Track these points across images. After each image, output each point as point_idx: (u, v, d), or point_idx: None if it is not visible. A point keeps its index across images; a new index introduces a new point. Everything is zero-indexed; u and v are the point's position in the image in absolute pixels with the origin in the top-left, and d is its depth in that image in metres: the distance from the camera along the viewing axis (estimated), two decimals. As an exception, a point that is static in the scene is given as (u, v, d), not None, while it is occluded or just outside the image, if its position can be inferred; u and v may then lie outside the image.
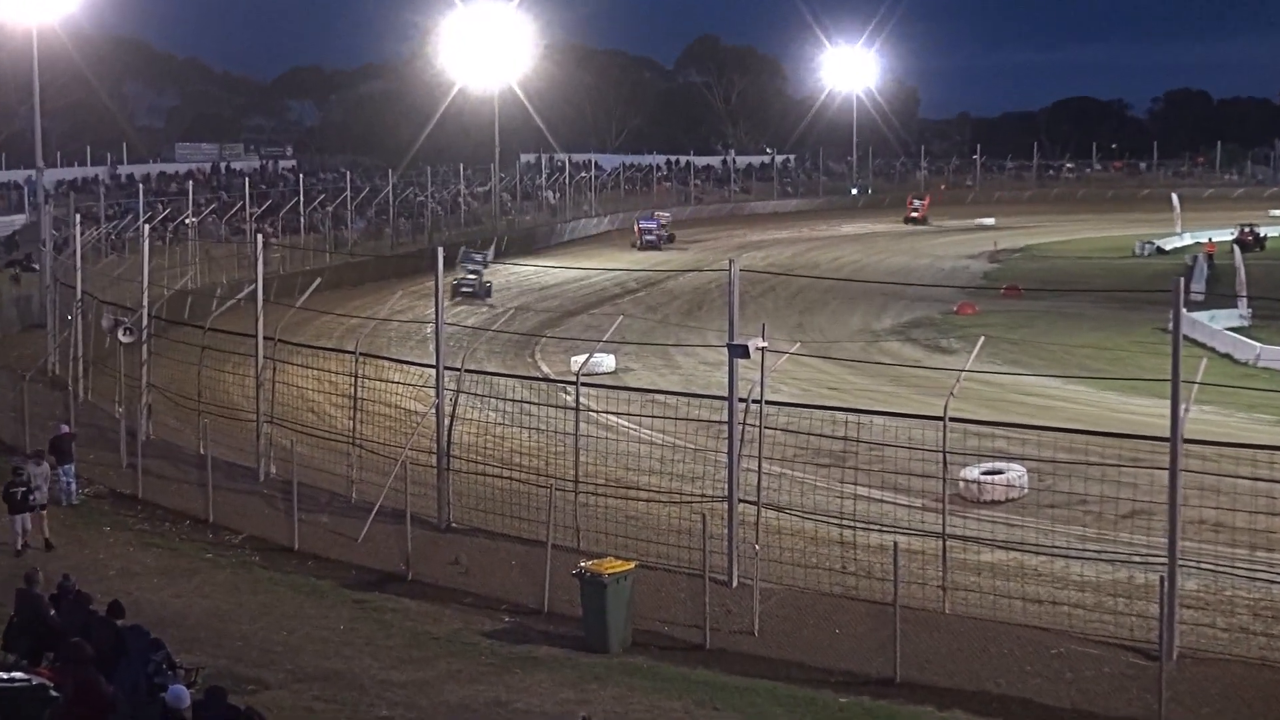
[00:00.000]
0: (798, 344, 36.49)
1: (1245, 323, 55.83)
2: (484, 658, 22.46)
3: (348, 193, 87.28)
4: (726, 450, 26.09)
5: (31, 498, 27.95)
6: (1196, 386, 22.93)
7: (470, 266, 69.21)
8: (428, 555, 27.43)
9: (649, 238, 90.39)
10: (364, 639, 23.14)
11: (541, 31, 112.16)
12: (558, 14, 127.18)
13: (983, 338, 33.72)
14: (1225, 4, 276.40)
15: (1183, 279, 24.78)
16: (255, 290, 34.79)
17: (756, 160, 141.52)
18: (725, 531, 25.49)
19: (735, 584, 25.12)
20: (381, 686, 20.78)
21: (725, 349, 25.42)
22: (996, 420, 29.48)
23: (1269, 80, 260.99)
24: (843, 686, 21.40)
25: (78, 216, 50.68)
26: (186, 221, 73.82)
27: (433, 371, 30.94)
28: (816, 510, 27.39)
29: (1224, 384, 35.38)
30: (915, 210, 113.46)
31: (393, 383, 35.18)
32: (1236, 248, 73.77)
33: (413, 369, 36.11)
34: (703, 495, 28.85)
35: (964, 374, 26.39)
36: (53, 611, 19.66)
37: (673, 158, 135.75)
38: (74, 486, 31.36)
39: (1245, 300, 57.81)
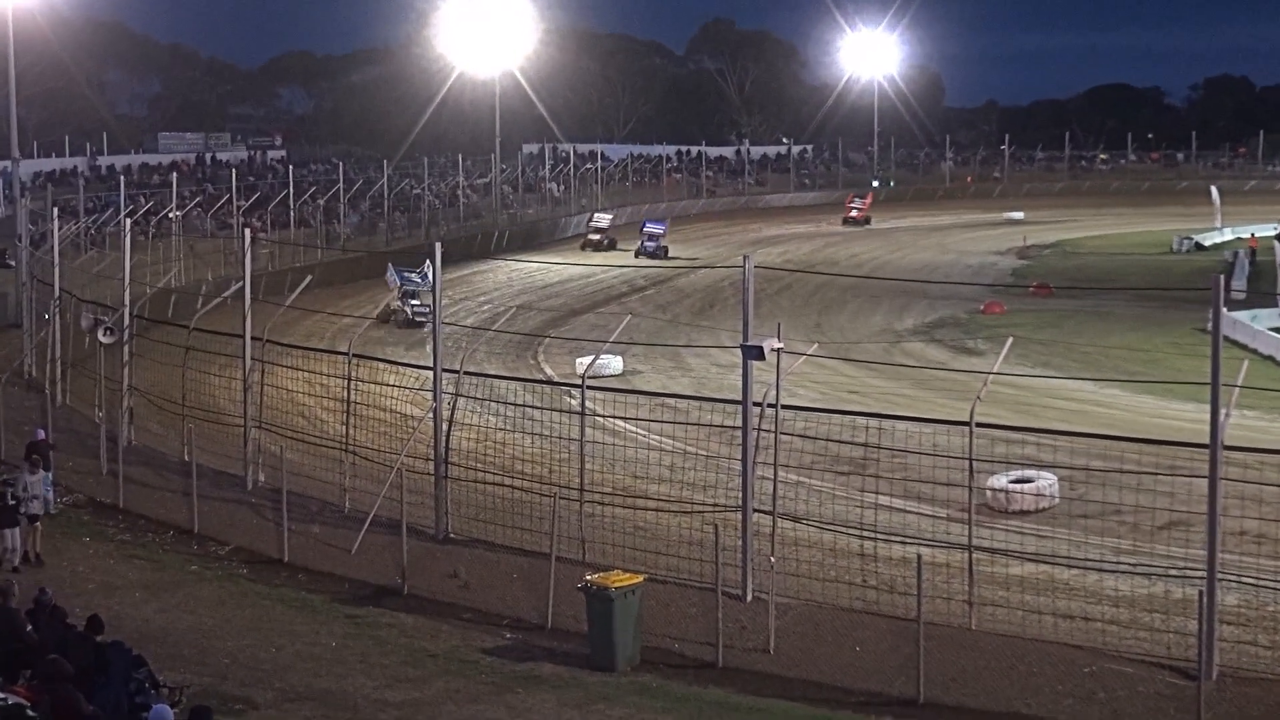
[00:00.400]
0: (815, 345, 36.52)
1: (1289, 322, 55.72)
2: (484, 676, 22.46)
3: (340, 185, 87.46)
4: (740, 457, 26.08)
5: (23, 509, 27.85)
6: (1238, 390, 22.90)
7: (409, 287, 60.17)
8: (425, 568, 27.44)
9: (649, 244, 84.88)
10: (357, 656, 23.15)
11: (544, 14, 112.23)
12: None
13: (1011, 338, 33.73)
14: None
15: (1223, 276, 24.71)
16: (243, 288, 34.78)
17: (772, 151, 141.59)
18: (739, 543, 25.48)
19: (749, 599, 25.12)
20: (376, 707, 20.79)
21: (739, 350, 25.41)
22: (1026, 425, 29.48)
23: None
24: (863, 707, 21.40)
25: (55, 210, 50.70)
26: (170, 215, 73.93)
27: (430, 374, 30.95)
28: (835, 521, 27.39)
29: (1267, 387, 35.30)
30: (855, 209, 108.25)
31: (388, 385, 35.18)
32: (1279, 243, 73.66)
33: (409, 371, 36.14)
34: (715, 505, 28.81)
35: (991, 376, 26.36)
36: (29, 627, 19.66)
37: (683, 148, 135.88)
38: (52, 495, 31.27)
39: (1289, 299, 57.72)
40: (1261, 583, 23.64)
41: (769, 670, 22.82)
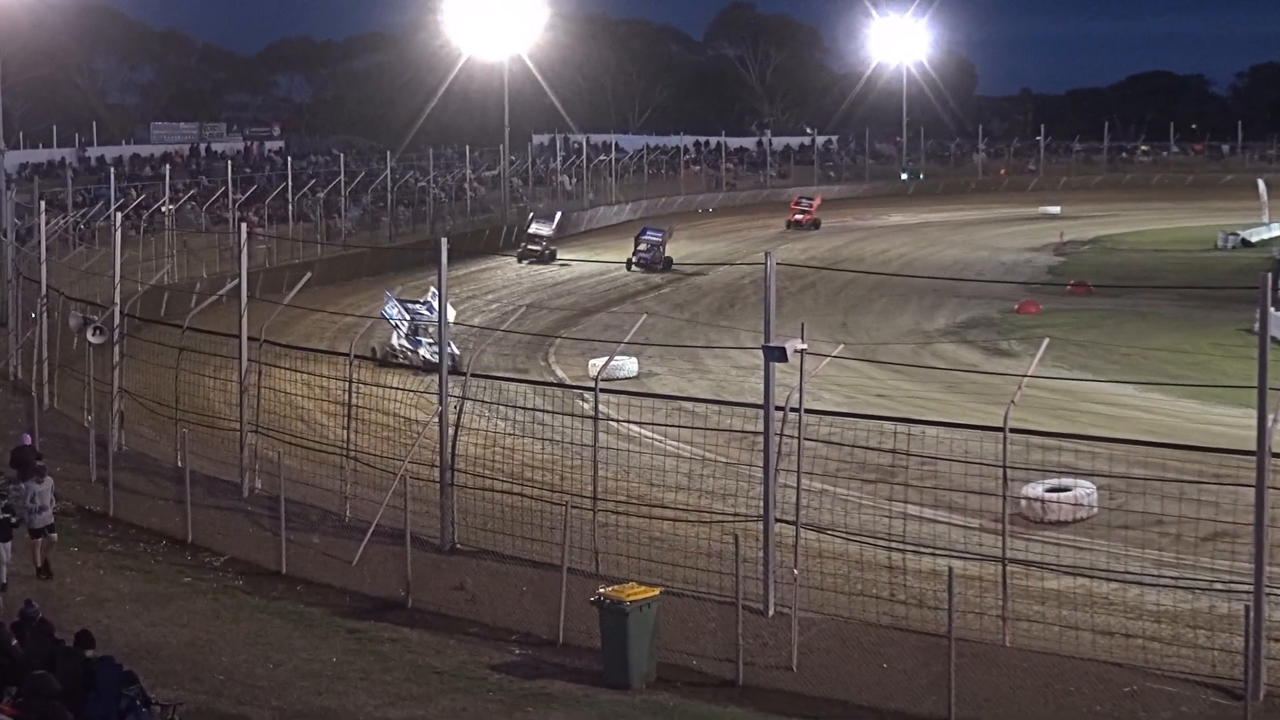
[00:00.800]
0: (841, 346, 36.41)
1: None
2: (492, 694, 22.46)
3: (341, 177, 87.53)
4: (762, 464, 26.07)
5: (28, 521, 27.66)
6: (1286, 394, 22.85)
7: (419, 321, 51.01)
8: (430, 580, 27.46)
9: (644, 254, 77.29)
10: (359, 673, 23.16)
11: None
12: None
13: (1047, 339, 33.64)
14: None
15: (1270, 274, 24.65)
16: (239, 285, 34.85)
17: (795, 142, 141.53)
18: (760, 555, 25.47)
19: (771, 613, 25.12)
20: (378, 726, 20.83)
21: (760, 351, 25.41)
22: (1062, 431, 29.40)
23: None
24: (891, 727, 21.41)
25: (42, 204, 50.83)
26: (163, 209, 74.08)
27: (435, 376, 30.97)
28: (862, 531, 27.36)
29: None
30: (802, 211, 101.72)
31: (391, 388, 35.24)
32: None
33: (413, 373, 36.15)
34: (735, 514, 28.83)
35: (1026, 380, 26.32)
36: (14, 641, 19.68)
37: (702, 139, 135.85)
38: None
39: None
40: (1312, 597, 23.60)
41: (792, 689, 22.81)
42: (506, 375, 41.44)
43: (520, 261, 78.58)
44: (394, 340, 49.71)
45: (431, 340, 46.13)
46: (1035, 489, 30.21)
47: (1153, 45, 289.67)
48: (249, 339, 34.45)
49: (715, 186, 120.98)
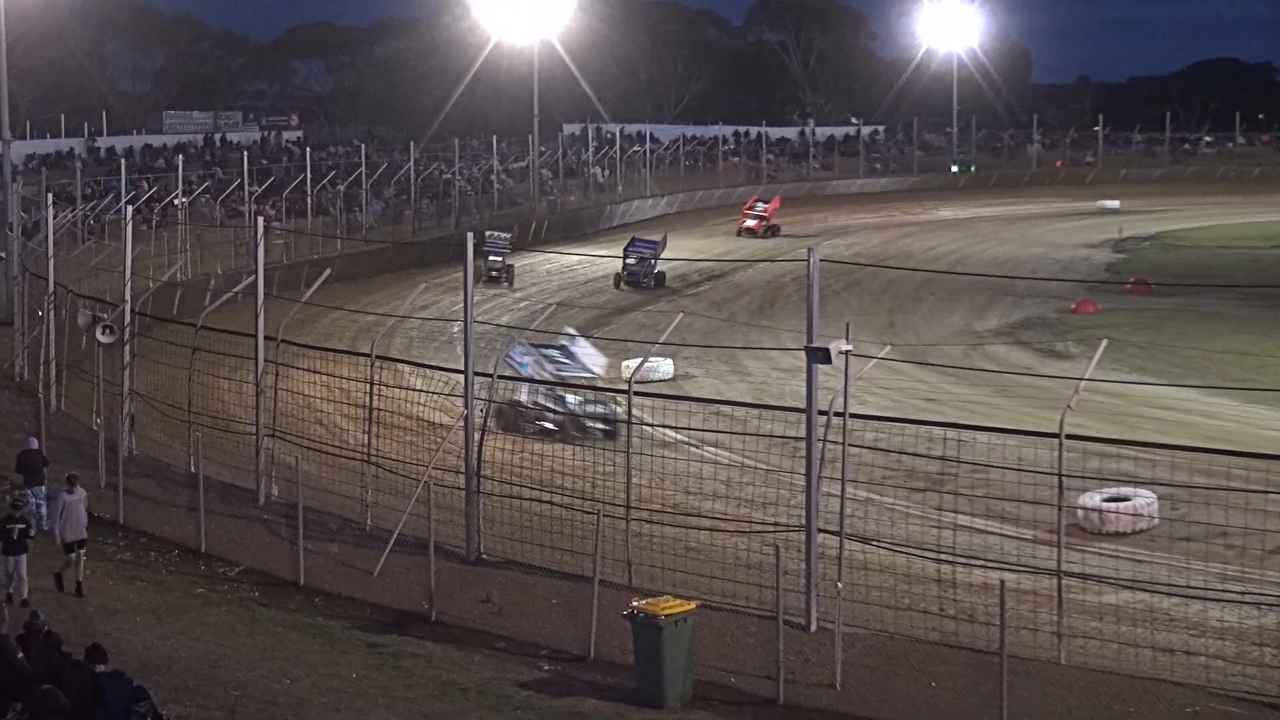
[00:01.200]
0: (888, 347, 36.30)
1: None
2: (519, 712, 22.49)
3: (362, 169, 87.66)
4: (804, 471, 26.06)
5: (64, 532, 27.67)
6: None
7: (564, 371, 45.22)
8: (454, 592, 27.51)
9: (634, 267, 71.50)
10: (380, 689, 23.21)
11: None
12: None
13: (1105, 341, 33.47)
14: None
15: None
16: (255, 282, 34.95)
17: (839, 132, 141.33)
18: (802, 566, 25.47)
19: (814, 628, 25.11)
20: (400, 744, 20.88)
21: (803, 353, 25.40)
22: (1121, 438, 29.34)
23: None
24: (939, 749, 21.40)
25: (50, 196, 51.01)
26: (176, 202, 74.25)
27: (460, 378, 31.02)
28: (909, 542, 27.33)
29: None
30: (756, 216, 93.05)
31: (414, 390, 35.29)
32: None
33: (437, 375, 36.21)
34: (776, 524, 28.82)
35: (1083, 383, 26.25)
36: (20, 655, 19.75)
37: (741, 129, 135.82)
38: (44, 510, 31.41)
39: None
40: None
41: (835, 708, 22.79)
42: (535, 378, 41.46)
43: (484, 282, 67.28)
44: (521, 393, 39.35)
45: (586, 402, 39.61)
46: (1092, 498, 30.16)
47: (1218, 30, 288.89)
48: (266, 338, 34.55)
49: (755, 179, 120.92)
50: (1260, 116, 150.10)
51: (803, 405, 26.18)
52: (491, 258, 71.14)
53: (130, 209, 43.52)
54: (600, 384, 44.07)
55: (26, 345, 45.98)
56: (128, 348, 37.93)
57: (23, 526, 27.14)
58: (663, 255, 72.09)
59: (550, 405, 38.55)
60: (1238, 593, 25.02)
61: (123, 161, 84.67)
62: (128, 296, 38.62)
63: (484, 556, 29.43)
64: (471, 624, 26.49)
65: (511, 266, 72.65)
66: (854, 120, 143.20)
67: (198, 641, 25.22)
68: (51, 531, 28.06)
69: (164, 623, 26.12)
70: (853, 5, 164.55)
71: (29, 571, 26.91)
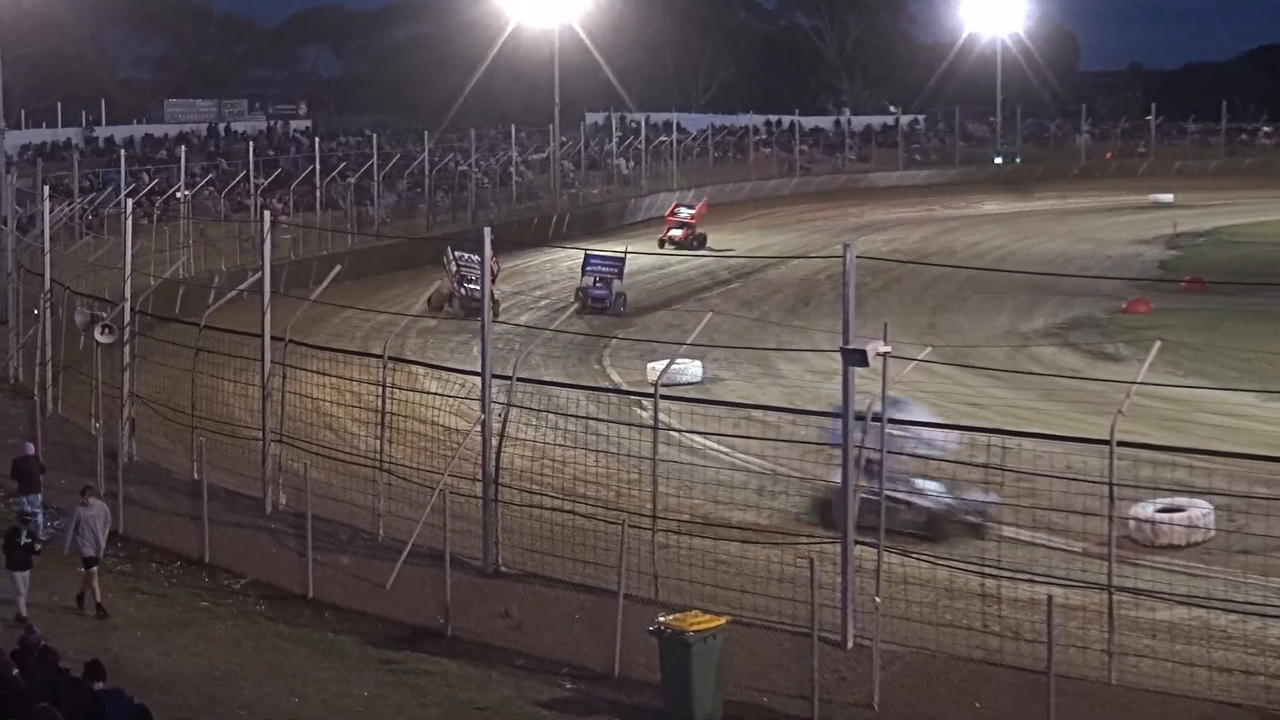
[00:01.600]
0: (928, 349, 36.35)
1: None
2: (540, 733, 22.54)
3: (374, 160, 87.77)
4: (840, 480, 26.04)
5: (83, 547, 27.67)
6: None
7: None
8: (471, 606, 27.54)
9: (597, 292, 63.74)
10: (393, 708, 23.26)
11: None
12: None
13: (1159, 342, 33.40)
14: None
15: None
16: (261, 279, 35.01)
17: (877, 121, 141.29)
18: (838, 580, 25.47)
19: (850, 645, 25.10)
20: (414, 767, 20.92)
21: (838, 355, 25.40)
22: (1176, 445, 29.27)
23: None
24: (983, 773, 21.39)
25: (46, 189, 51.18)
26: (178, 195, 74.49)
27: (477, 380, 31.05)
28: (951, 555, 27.30)
29: None
30: (680, 225, 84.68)
31: (429, 394, 35.32)
32: None
33: (453, 377, 36.24)
34: (810, 535, 28.81)
35: (1135, 387, 26.22)
36: (15, 671, 19.79)
37: (773, 118, 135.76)
38: (41, 519, 31.48)
39: None
40: None
41: (873, 729, 22.81)
42: (556, 380, 41.52)
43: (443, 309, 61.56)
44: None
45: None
46: (1145, 509, 30.09)
47: (1277, 14, 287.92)
48: (272, 339, 34.60)
49: (788, 171, 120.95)
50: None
51: (838, 410, 26.18)
52: (468, 284, 60.14)
53: (130, 202, 43.42)
54: (624, 386, 44.07)
55: (21, 345, 46.12)
56: (128, 348, 38.00)
57: (29, 541, 26.98)
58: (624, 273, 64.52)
59: (909, 496, 32.13)
60: (1299, 609, 24.99)
61: (122, 152, 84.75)
62: (128, 294, 38.68)
63: (502, 569, 29.46)
64: (489, 640, 26.53)
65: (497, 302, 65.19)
66: (892, 109, 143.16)
67: (201, 658, 25.28)
68: (75, 546, 27.87)
69: (166, 638, 26.18)
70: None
71: (25, 590, 26.74)
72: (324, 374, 36.72)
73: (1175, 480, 28.99)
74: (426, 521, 29.14)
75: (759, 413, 35.71)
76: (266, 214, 39.04)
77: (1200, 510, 30.20)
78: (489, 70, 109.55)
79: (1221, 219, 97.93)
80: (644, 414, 33.61)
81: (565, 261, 75.55)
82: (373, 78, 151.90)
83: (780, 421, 33.45)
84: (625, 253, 64.62)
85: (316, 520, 29.79)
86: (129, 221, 40.54)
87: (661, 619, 23.63)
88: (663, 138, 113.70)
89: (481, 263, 31.27)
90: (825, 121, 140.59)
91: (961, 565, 26.90)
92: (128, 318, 38.13)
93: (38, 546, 27.26)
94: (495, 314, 67.46)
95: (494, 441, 29.95)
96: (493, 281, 69.94)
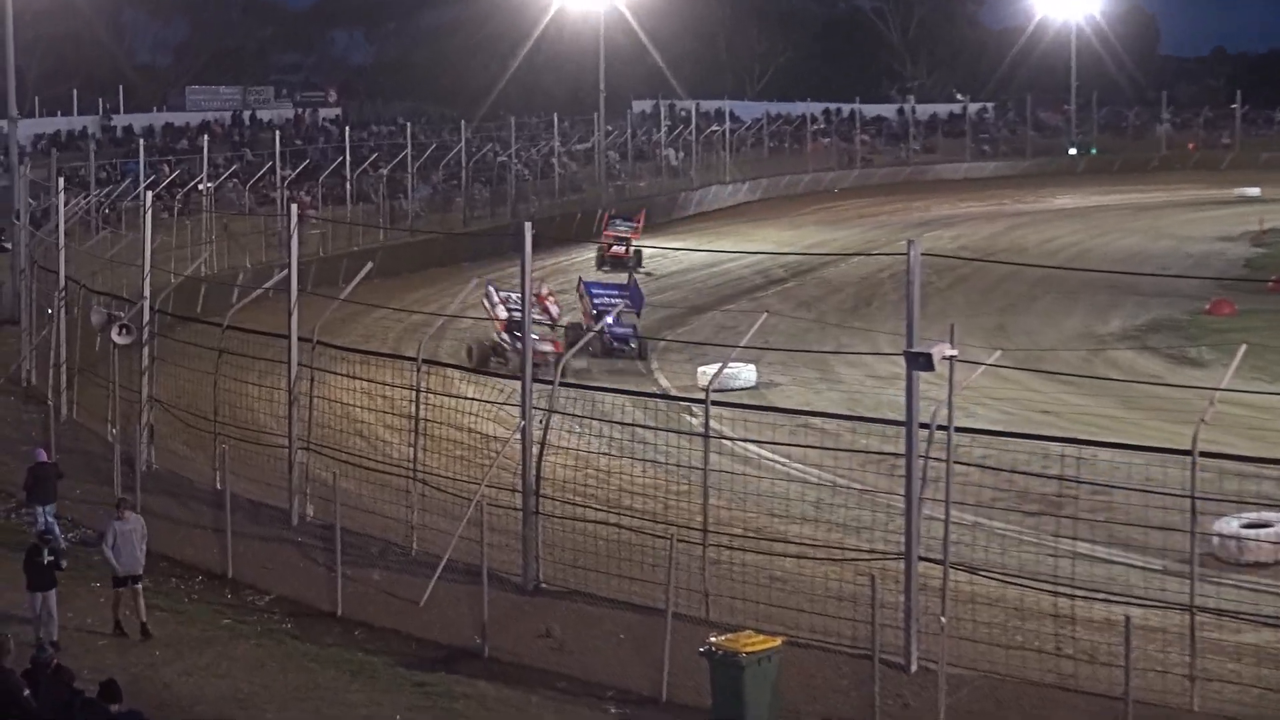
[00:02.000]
0: (998, 353, 36.26)
1: None
2: (583, 760, 22.55)
3: (408, 151, 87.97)
4: (903, 492, 25.99)
5: (119, 564, 27.63)
6: None
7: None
8: (510, 625, 27.56)
9: (617, 330, 52.45)
10: (427, 733, 23.30)
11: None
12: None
13: (1244, 346, 33.28)
14: None
15: None
16: (288, 277, 35.10)
17: (943, 110, 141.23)
18: (901, 599, 25.42)
19: (914, 668, 25.06)
20: (449, 796, 20.96)
21: (902, 358, 25.36)
22: (1263, 456, 29.14)
23: None
24: (1056, 806, 21.33)
25: (61, 180, 51.48)
26: (200, 188, 74.83)
27: (517, 385, 31.05)
28: (1022, 572, 27.21)
29: None
30: (619, 240, 77.64)
31: (465, 399, 35.36)
32: None
33: (491, 382, 36.32)
34: (871, 551, 28.73)
35: (1219, 394, 26.10)
36: (27, 691, 19.88)
37: (832, 106, 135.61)
38: (58, 530, 31.56)
39: None
40: None
41: (937, 758, 22.77)
42: (601, 385, 41.53)
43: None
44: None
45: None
46: (1230, 524, 29.95)
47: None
48: (300, 340, 34.68)
49: (848, 163, 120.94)
50: None
51: (901, 417, 26.12)
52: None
53: (150, 195, 43.65)
54: (673, 392, 44.05)
55: (35, 347, 46.32)
56: (146, 350, 38.17)
57: (52, 559, 26.66)
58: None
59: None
60: (1397, 632, 24.85)
61: (141, 142, 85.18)
62: (147, 293, 38.85)
63: (543, 585, 29.47)
64: (529, 661, 26.54)
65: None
66: (959, 97, 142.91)
67: (224, 679, 25.35)
68: (111, 564, 27.71)
69: (186, 657, 26.26)
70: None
71: (55, 610, 26.55)
72: (354, 377, 36.74)
73: (1261, 494, 28.90)
74: (463, 535, 29.17)
75: (817, 420, 35.69)
76: (294, 208, 39.20)
77: (1289, 526, 30.10)
78: (530, 55, 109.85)
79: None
80: (694, 421, 33.56)
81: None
82: (406, 63, 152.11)
83: (840, 429, 33.42)
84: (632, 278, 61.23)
85: (346, 533, 29.86)
86: (148, 215, 40.74)
87: (713, 639, 23.63)
88: (714, 127, 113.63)
89: (523, 281, 30.93)
90: (888, 110, 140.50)
91: (1033, 584, 26.80)
92: (147, 317, 38.29)
93: (63, 563, 26.97)
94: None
95: (534, 450, 29.96)
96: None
